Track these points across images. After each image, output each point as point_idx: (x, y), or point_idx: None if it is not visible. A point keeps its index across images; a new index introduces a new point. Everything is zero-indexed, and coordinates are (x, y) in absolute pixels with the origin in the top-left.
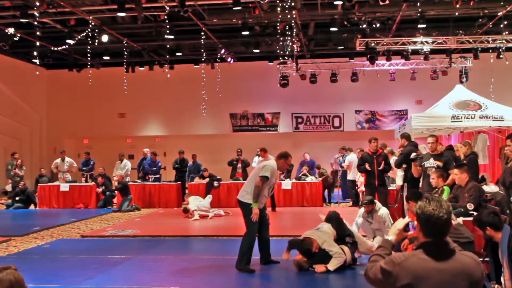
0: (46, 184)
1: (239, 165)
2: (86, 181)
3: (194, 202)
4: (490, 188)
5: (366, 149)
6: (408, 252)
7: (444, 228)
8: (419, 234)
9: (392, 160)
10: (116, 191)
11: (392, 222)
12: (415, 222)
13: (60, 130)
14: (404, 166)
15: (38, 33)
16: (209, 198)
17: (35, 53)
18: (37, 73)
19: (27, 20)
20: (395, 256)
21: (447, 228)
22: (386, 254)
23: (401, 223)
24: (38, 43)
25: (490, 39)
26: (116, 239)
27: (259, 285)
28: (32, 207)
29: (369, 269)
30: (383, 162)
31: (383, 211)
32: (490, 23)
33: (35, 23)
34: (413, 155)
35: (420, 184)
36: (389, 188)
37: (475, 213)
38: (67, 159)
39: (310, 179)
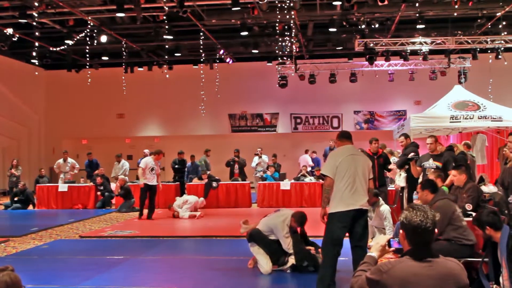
0: (45, 185)
1: (236, 165)
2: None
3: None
4: (489, 188)
5: (366, 149)
6: (394, 260)
7: (430, 237)
8: (404, 242)
9: (392, 160)
10: (118, 196)
11: (391, 221)
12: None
13: (59, 130)
14: (406, 167)
15: (36, 33)
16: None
17: (33, 54)
18: (36, 73)
19: (25, 21)
20: (382, 264)
21: (432, 236)
22: (369, 269)
23: (383, 239)
24: (36, 44)
25: (488, 39)
26: (115, 239)
27: (257, 285)
28: (30, 207)
29: (354, 283)
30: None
31: (385, 207)
32: (489, 24)
33: (34, 23)
34: (410, 155)
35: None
36: (388, 188)
37: (473, 214)
38: (69, 159)
39: (309, 179)
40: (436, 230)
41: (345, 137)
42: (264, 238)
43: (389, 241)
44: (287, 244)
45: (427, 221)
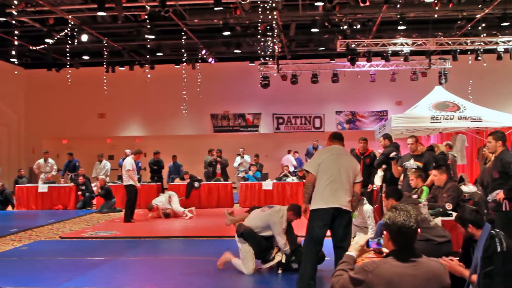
0: (24, 185)
1: (218, 165)
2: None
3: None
4: (469, 188)
5: (355, 149)
6: (378, 260)
7: (413, 237)
8: (388, 243)
9: None
10: (98, 196)
11: (374, 220)
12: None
13: (39, 130)
14: (384, 166)
15: (16, 32)
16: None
17: (13, 52)
18: (16, 72)
19: (5, 19)
20: (367, 264)
21: (416, 236)
22: (349, 269)
23: (362, 239)
24: (16, 42)
25: (468, 41)
26: (96, 240)
27: (239, 286)
28: (9, 208)
29: (335, 283)
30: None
31: (368, 207)
32: (469, 25)
33: (13, 22)
34: (392, 154)
35: (400, 184)
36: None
37: (453, 213)
38: (49, 160)
39: (291, 179)
40: (419, 230)
41: (336, 138)
42: (256, 236)
43: (367, 241)
44: (285, 240)
45: (411, 220)
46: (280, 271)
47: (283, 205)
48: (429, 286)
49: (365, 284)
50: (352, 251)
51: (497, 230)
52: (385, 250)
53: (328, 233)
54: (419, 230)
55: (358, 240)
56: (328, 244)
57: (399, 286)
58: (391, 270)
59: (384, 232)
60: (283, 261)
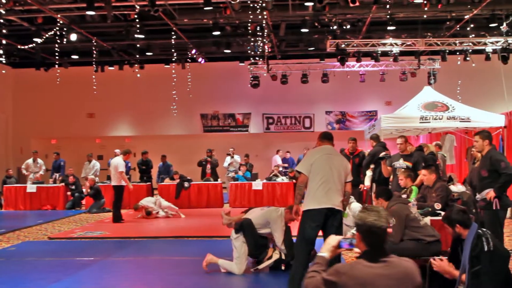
0: (12, 185)
1: (208, 165)
2: (55, 182)
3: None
4: (457, 188)
5: (345, 149)
6: (351, 261)
7: (384, 237)
8: (360, 243)
9: None
10: (88, 196)
11: None
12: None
13: (27, 130)
14: (372, 166)
15: (4, 31)
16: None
17: (1, 52)
18: (3, 71)
19: None
20: (340, 266)
21: (386, 236)
22: (322, 270)
23: (334, 240)
24: (4, 41)
25: (457, 41)
26: (85, 241)
27: (230, 286)
28: None
29: (309, 284)
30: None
31: (356, 204)
32: (458, 26)
33: (1, 20)
34: (382, 154)
35: (390, 183)
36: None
37: (442, 213)
38: (38, 160)
39: (281, 179)
40: (389, 230)
41: (326, 138)
42: (255, 230)
43: (339, 242)
44: (282, 238)
45: (381, 220)
46: (283, 267)
47: (274, 205)
48: (402, 286)
49: (339, 285)
50: (324, 252)
51: (484, 230)
52: (357, 250)
53: (320, 232)
54: (389, 230)
55: (330, 241)
56: (320, 244)
57: (373, 286)
58: (364, 271)
59: (356, 233)
60: (283, 257)
